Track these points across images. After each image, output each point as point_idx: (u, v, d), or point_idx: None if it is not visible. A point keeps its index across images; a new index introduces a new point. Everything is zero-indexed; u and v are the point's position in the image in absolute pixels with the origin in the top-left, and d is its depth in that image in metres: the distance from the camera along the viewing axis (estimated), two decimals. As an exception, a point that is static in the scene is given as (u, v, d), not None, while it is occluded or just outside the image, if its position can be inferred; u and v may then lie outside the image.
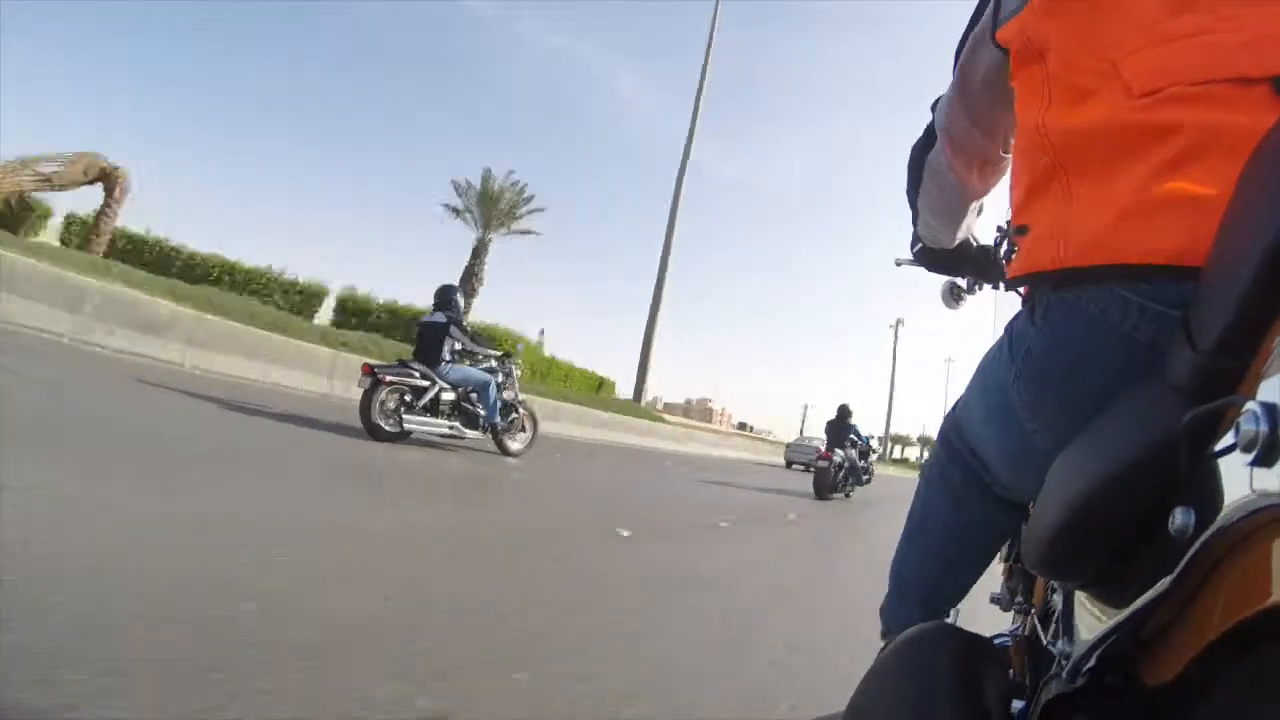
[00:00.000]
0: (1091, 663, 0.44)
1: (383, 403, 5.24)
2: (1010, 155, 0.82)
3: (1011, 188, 0.69)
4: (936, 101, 0.86)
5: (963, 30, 0.79)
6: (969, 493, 0.81)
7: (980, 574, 0.88)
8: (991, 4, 0.72)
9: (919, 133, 0.90)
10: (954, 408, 0.85)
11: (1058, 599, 0.63)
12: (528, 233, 23.65)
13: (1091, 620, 0.46)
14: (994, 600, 1.05)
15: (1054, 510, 0.47)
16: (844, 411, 10.15)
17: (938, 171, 0.88)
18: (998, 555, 0.91)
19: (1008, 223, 1.00)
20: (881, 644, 0.96)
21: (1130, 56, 0.55)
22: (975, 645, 0.64)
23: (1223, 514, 0.32)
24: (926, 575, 0.89)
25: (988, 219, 1.00)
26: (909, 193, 0.95)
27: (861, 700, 0.61)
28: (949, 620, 0.90)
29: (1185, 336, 0.42)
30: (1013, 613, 0.96)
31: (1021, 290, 0.74)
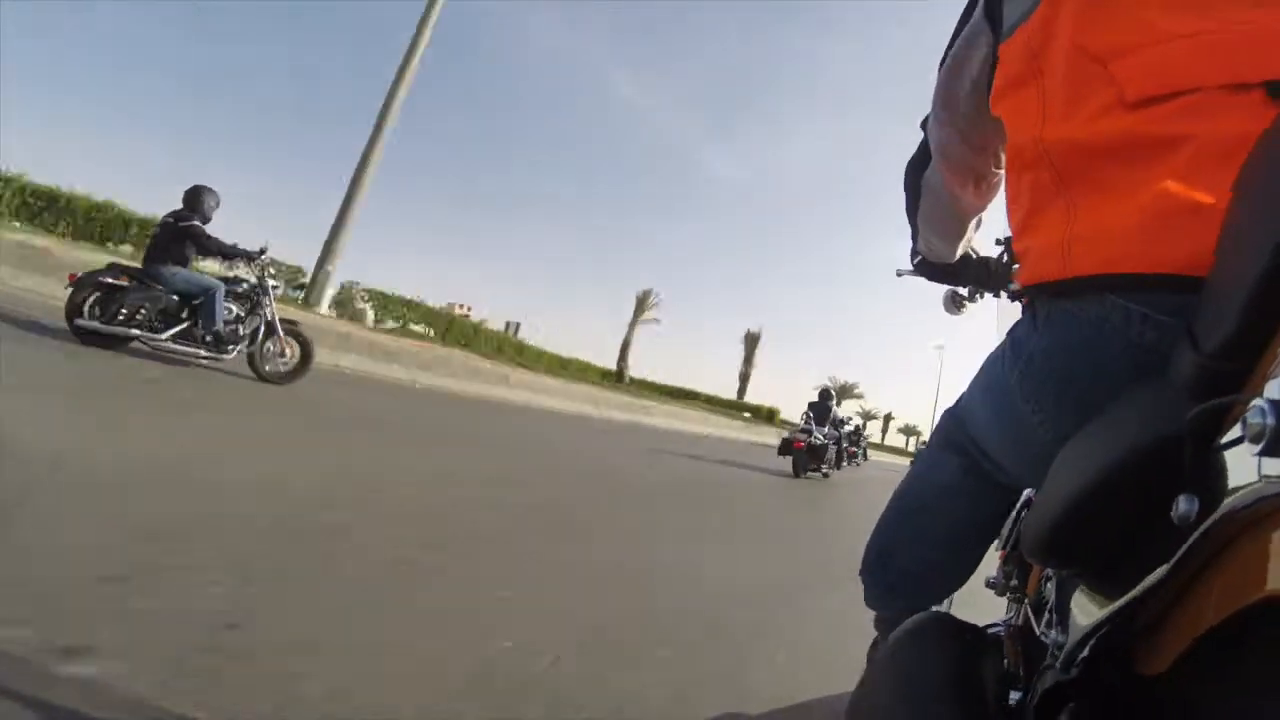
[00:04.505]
0: (1085, 652, 0.45)
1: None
2: (1002, 170, 0.81)
3: (1009, 205, 0.67)
4: (926, 119, 0.85)
5: (946, 44, 0.77)
6: (968, 480, 0.81)
7: (977, 563, 0.88)
8: (983, 17, 0.71)
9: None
10: (956, 402, 0.84)
11: (1051, 588, 0.63)
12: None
13: (1085, 609, 0.47)
14: (989, 584, 1.06)
15: (1057, 500, 0.47)
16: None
17: (934, 190, 0.88)
18: (994, 544, 0.91)
19: (1008, 238, 1.01)
20: (875, 632, 1.00)
21: (1123, 57, 0.55)
22: (973, 637, 0.65)
23: (1227, 500, 0.32)
24: (922, 563, 0.88)
25: (987, 231, 1.01)
26: (908, 211, 0.95)
27: (864, 695, 0.61)
28: (943, 608, 0.91)
29: (1189, 340, 0.42)
30: (1006, 600, 0.95)
31: (1023, 300, 0.73)
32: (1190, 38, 0.52)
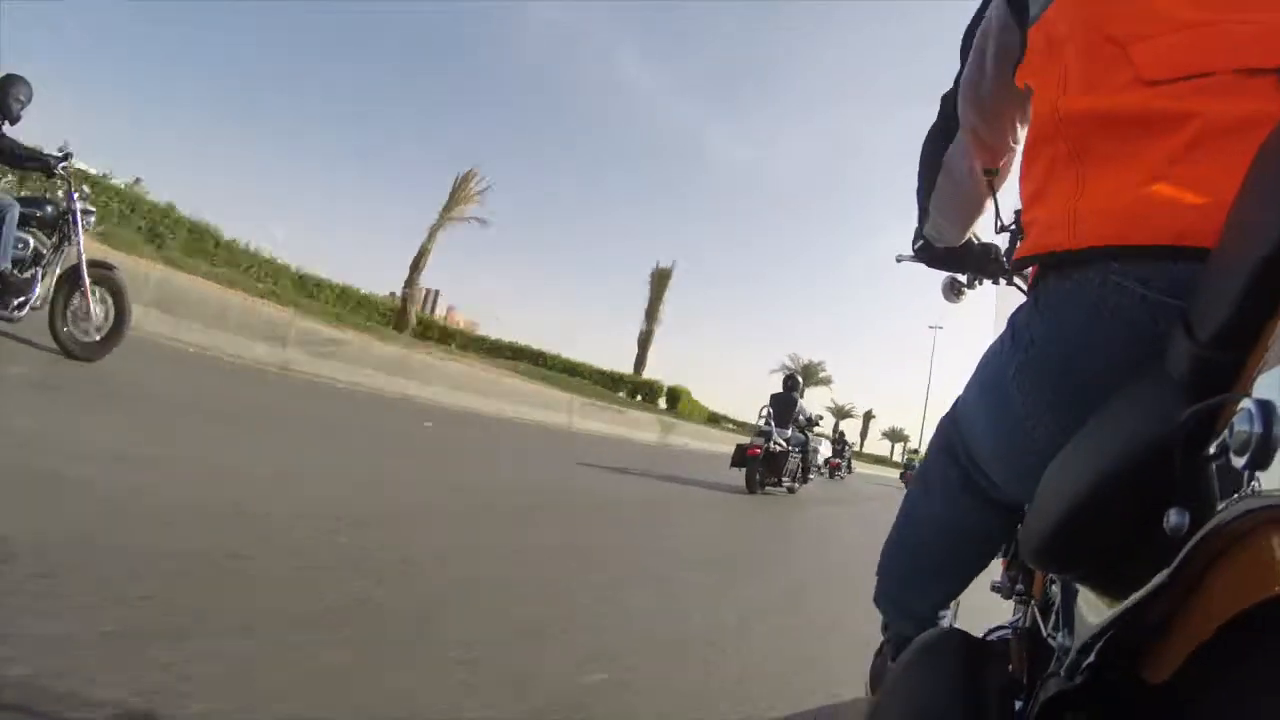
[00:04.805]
0: (1090, 658, 0.46)
1: None
2: (1018, 146, 0.86)
3: (1023, 176, 0.71)
4: (948, 93, 0.87)
5: (970, 20, 0.82)
6: (964, 496, 0.84)
7: (977, 574, 0.91)
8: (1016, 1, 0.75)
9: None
10: (952, 408, 0.87)
11: (1056, 590, 0.66)
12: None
13: (1090, 613, 0.48)
14: (994, 588, 1.10)
15: (1052, 506, 0.49)
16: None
17: (954, 169, 0.90)
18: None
19: (1017, 212, 1.02)
20: (883, 638, 1.08)
21: (1141, 42, 0.58)
22: (980, 653, 0.66)
23: (1217, 515, 0.33)
24: (922, 576, 0.92)
25: (986, 219, 1.02)
26: (919, 191, 0.96)
27: (876, 713, 0.64)
28: (948, 611, 0.96)
29: (1184, 327, 0.44)
30: (1013, 602, 1.00)
31: (1027, 274, 0.81)
32: (1205, 26, 0.56)
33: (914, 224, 1.04)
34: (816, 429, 9.73)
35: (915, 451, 31.97)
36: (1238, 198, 0.44)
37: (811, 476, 9.18)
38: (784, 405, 8.25)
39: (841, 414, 58.09)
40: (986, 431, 0.75)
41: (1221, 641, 0.33)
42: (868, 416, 68.28)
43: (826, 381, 49.31)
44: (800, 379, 9.05)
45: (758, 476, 7.56)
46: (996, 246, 1.12)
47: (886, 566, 0.97)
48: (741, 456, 7.64)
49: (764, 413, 8.03)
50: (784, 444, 7.87)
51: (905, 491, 0.98)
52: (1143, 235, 0.53)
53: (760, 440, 7.66)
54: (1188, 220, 0.50)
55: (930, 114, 0.92)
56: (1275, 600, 0.28)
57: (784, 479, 8.06)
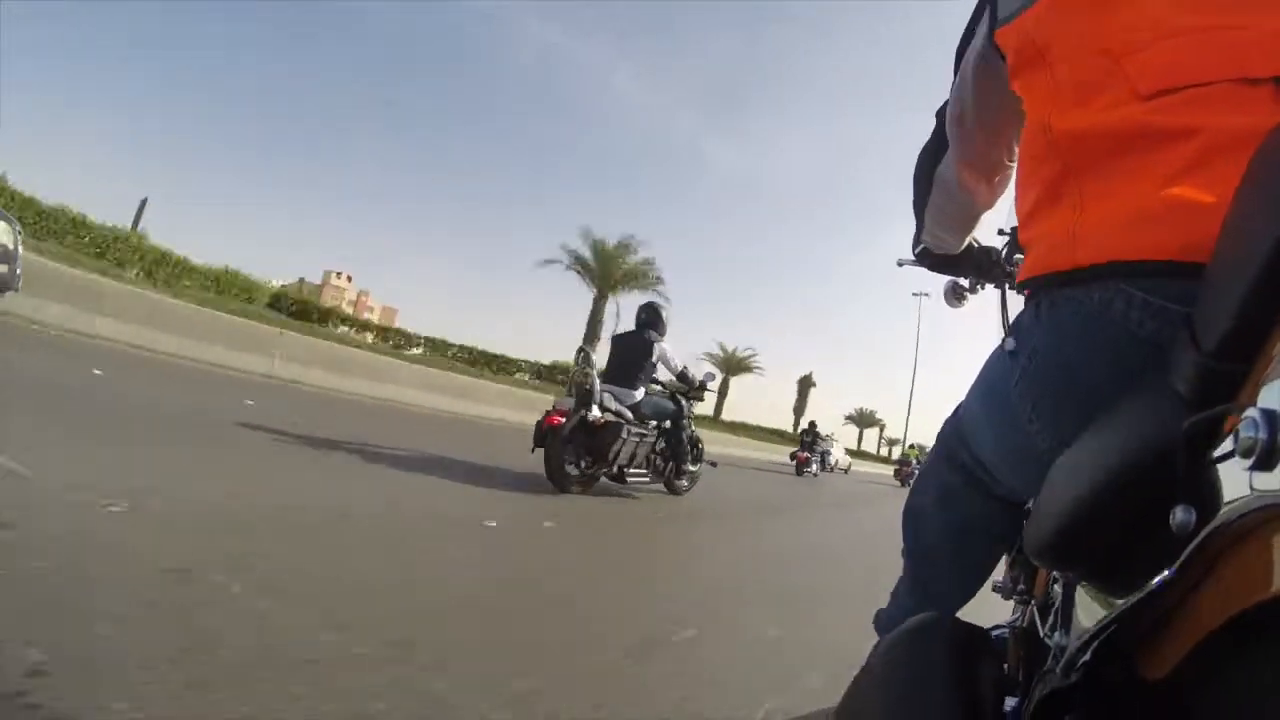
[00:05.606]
0: (1087, 656, 0.49)
1: None
2: (1014, 163, 0.87)
3: (1018, 193, 0.73)
4: (942, 108, 0.88)
5: (961, 34, 0.83)
6: (968, 496, 0.87)
7: (985, 578, 0.95)
8: (989, 6, 0.76)
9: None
10: (955, 411, 0.91)
11: (1058, 589, 0.70)
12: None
13: (1090, 612, 0.52)
14: (996, 588, 1.08)
15: (1056, 506, 0.52)
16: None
17: (946, 183, 0.91)
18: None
19: (1013, 229, 1.08)
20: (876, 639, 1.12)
21: (1135, 53, 0.60)
22: (972, 638, 0.68)
23: (1223, 511, 0.35)
24: (935, 583, 0.94)
25: (989, 221, 1.06)
26: (915, 204, 0.97)
27: (856, 692, 0.64)
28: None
29: (1189, 336, 0.46)
30: (1013, 602, 1.04)
31: (1026, 291, 0.85)
32: (1201, 32, 0.59)
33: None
34: (711, 389, 6.23)
35: (912, 446, 27.66)
36: (1233, 205, 0.47)
37: (693, 468, 5.71)
38: (630, 352, 5.26)
39: (735, 366, 37.22)
40: (990, 437, 0.79)
41: (1220, 640, 0.35)
42: (805, 383, 49.53)
43: (653, 283, 26.65)
44: (662, 312, 5.61)
45: (564, 463, 4.73)
46: (998, 250, 1.14)
47: (900, 583, 1.00)
48: (539, 433, 4.52)
49: (581, 359, 4.92)
50: (622, 412, 4.86)
51: (910, 493, 1.00)
52: (1147, 251, 0.55)
53: (568, 404, 4.54)
54: (1193, 235, 0.52)
55: (924, 118, 0.95)
56: (1275, 600, 0.30)
57: (623, 465, 5.13)
